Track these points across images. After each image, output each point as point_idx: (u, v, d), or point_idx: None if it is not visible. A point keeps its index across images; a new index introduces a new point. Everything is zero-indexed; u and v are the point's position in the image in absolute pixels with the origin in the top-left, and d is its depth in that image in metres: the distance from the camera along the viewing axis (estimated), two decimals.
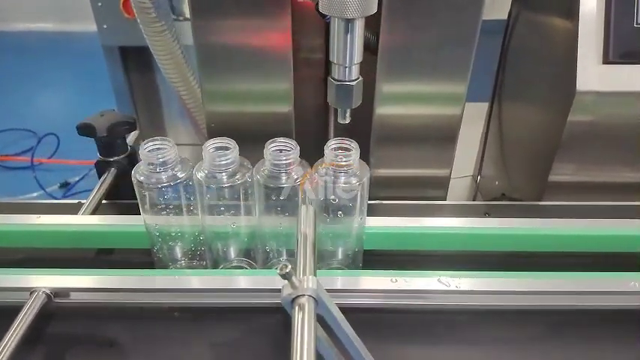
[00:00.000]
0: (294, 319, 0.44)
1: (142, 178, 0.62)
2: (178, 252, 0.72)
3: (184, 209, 0.66)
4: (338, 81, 0.56)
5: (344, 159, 0.60)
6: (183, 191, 0.64)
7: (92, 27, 2.03)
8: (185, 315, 0.67)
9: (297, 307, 0.44)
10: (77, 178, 2.40)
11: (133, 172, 0.63)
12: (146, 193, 0.63)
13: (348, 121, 0.68)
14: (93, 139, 0.83)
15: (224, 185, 0.62)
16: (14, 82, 3.28)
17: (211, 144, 0.62)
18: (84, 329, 0.67)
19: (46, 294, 0.63)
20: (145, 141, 0.61)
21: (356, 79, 0.56)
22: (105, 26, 2.02)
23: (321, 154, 0.92)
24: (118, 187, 0.85)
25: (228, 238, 0.70)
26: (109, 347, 0.65)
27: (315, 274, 0.47)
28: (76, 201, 0.85)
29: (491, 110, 1.13)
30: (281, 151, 0.61)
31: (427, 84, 0.79)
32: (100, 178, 0.85)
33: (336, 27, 0.54)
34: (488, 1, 0.71)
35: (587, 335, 0.66)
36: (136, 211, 0.79)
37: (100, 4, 1.98)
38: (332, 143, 0.61)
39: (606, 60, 0.77)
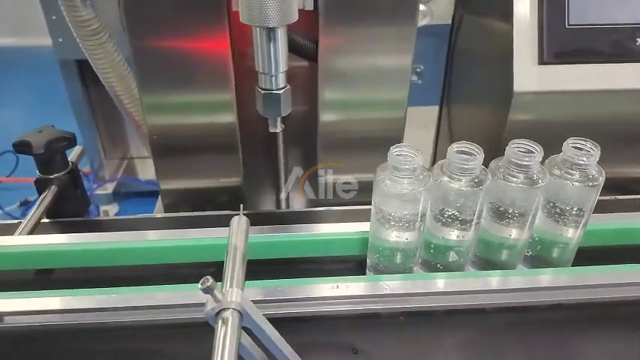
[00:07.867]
0: (216, 334, 0.42)
1: (385, 186, 0.60)
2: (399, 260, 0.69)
3: (419, 218, 0.64)
4: (265, 90, 0.55)
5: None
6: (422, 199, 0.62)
7: (47, 41, 1.98)
8: (127, 333, 0.65)
9: (220, 322, 0.43)
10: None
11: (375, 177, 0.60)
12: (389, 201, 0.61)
13: (279, 129, 0.67)
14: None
15: (464, 188, 0.60)
16: None
17: (456, 147, 0.60)
18: (19, 355, 0.64)
19: None
20: (394, 146, 0.60)
21: (283, 88, 0.55)
22: (60, 40, 1.98)
23: (268, 163, 0.92)
24: (59, 204, 0.82)
25: (453, 247, 0.67)
26: None
27: (242, 287, 0.46)
28: (16, 221, 0.82)
29: (440, 113, 1.14)
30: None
31: (369, 89, 0.79)
32: (39, 196, 0.82)
33: (258, 36, 0.54)
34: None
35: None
36: (77, 230, 0.78)
37: (54, 17, 1.94)
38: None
39: (541, 61, 0.79)
